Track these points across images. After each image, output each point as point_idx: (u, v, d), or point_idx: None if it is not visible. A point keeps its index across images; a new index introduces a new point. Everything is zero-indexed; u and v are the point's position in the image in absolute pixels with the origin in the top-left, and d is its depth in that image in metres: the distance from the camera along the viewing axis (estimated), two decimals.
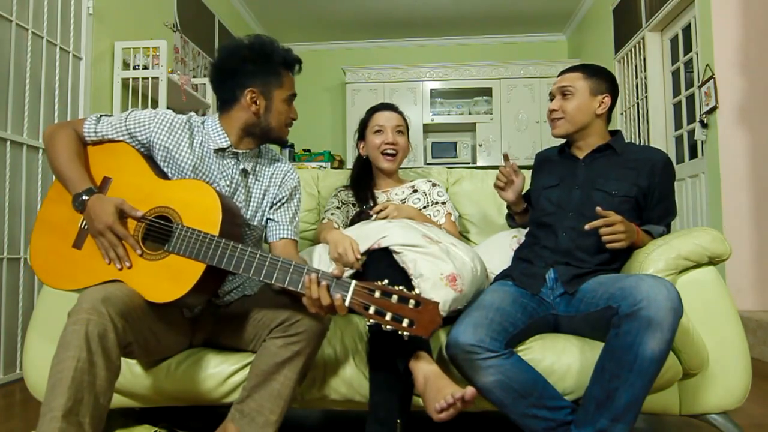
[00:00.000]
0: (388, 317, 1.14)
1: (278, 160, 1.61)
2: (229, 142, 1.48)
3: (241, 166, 1.50)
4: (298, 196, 1.62)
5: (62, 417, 1.07)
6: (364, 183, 2.05)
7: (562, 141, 1.82)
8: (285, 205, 1.57)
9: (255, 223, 1.53)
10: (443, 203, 2.01)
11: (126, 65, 3.24)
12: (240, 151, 1.50)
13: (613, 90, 1.73)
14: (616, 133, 1.77)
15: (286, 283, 1.24)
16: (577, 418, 1.33)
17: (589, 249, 1.58)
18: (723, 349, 1.51)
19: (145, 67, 3.21)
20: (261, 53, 1.46)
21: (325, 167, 5.26)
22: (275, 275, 1.24)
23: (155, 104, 3.33)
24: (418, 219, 1.83)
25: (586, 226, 1.49)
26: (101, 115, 1.48)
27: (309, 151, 5.80)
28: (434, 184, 2.07)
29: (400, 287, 1.17)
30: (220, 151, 1.48)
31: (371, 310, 1.16)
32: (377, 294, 1.17)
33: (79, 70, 2.94)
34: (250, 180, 1.53)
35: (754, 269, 3.14)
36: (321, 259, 1.66)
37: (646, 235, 1.61)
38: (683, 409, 1.51)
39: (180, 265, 1.28)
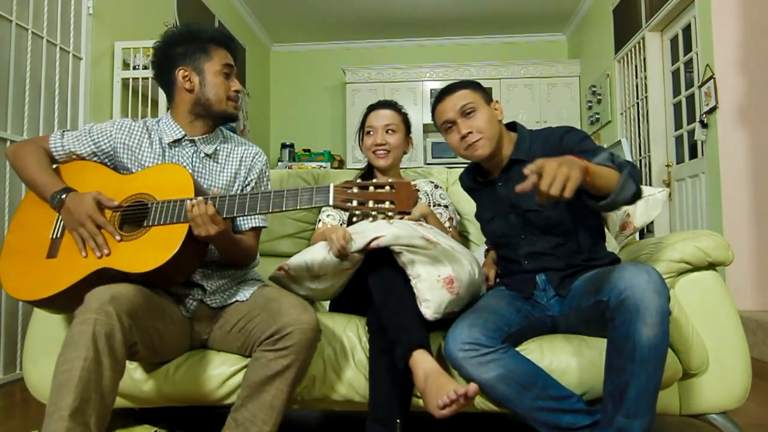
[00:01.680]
0: (370, 204, 1.21)
1: (246, 144, 1.64)
2: (183, 132, 1.53)
3: (201, 153, 1.54)
4: (266, 181, 1.65)
5: (69, 416, 1.07)
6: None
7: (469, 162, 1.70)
8: (254, 191, 1.57)
9: None
10: (446, 206, 2.01)
11: (126, 65, 3.24)
12: (196, 138, 1.54)
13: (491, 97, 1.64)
14: (514, 127, 1.64)
15: (270, 208, 1.30)
16: (601, 420, 1.31)
17: (562, 255, 1.54)
18: (723, 349, 1.51)
19: (145, 67, 3.21)
20: (188, 35, 1.53)
21: (325, 167, 5.26)
22: (258, 207, 1.31)
23: (155, 104, 3.33)
24: (430, 218, 1.82)
25: (517, 188, 1.23)
26: (63, 131, 1.54)
27: (309, 151, 5.80)
28: (436, 186, 2.07)
29: (374, 179, 1.25)
30: (176, 143, 1.54)
31: (354, 203, 1.22)
32: (355, 189, 1.23)
33: (79, 70, 2.95)
34: (211, 165, 1.55)
35: (754, 269, 3.14)
36: (324, 256, 1.65)
37: (599, 165, 1.30)
38: (683, 409, 1.51)
39: (162, 234, 1.33)
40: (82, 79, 2.95)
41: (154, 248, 1.31)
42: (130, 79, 3.21)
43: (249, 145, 1.64)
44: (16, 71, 2.51)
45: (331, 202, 1.25)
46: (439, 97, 1.62)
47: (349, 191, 1.23)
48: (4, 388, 2.32)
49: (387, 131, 1.98)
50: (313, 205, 1.27)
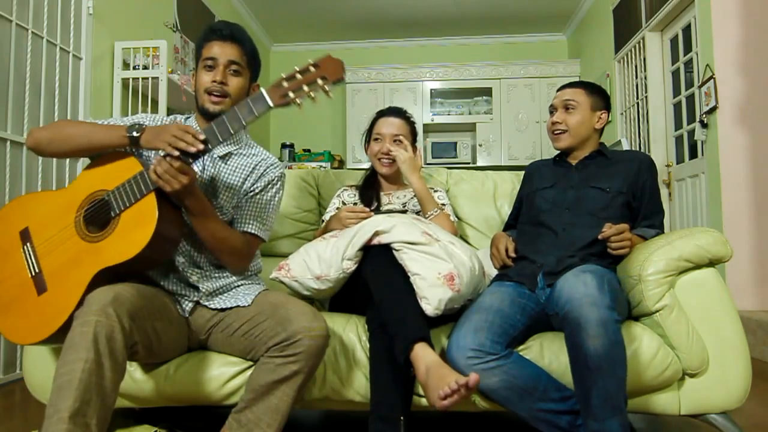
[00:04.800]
0: (305, 89, 1.27)
1: (264, 154, 1.62)
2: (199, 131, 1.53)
3: (213, 153, 1.53)
4: (275, 192, 1.59)
5: (69, 418, 1.07)
6: (371, 185, 2.10)
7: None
8: (257, 196, 1.55)
9: (231, 209, 1.53)
10: (443, 205, 2.01)
11: (126, 65, 3.24)
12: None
13: (608, 107, 1.84)
14: (600, 145, 1.87)
15: (219, 135, 1.32)
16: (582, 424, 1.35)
17: (586, 241, 1.63)
18: (723, 349, 1.51)
19: (145, 67, 3.21)
20: (203, 34, 1.54)
21: (325, 167, 5.26)
22: (217, 132, 1.32)
23: (155, 104, 3.33)
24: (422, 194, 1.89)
25: (600, 236, 1.57)
26: None
27: (309, 151, 5.80)
28: (435, 191, 2.08)
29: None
30: None
31: (291, 95, 1.27)
32: (286, 84, 1.28)
33: (79, 70, 2.94)
34: (221, 167, 1.54)
35: (754, 269, 3.14)
36: (325, 256, 1.64)
37: (639, 238, 1.68)
38: (683, 409, 1.51)
39: (135, 213, 1.33)
40: (82, 79, 2.95)
41: (135, 229, 1.31)
42: (130, 79, 3.21)
43: (267, 155, 1.63)
44: (16, 71, 2.51)
45: (271, 104, 1.28)
46: (564, 85, 1.88)
47: (283, 86, 1.27)
48: (4, 388, 2.32)
49: (394, 140, 2.02)
50: (257, 115, 1.29)
